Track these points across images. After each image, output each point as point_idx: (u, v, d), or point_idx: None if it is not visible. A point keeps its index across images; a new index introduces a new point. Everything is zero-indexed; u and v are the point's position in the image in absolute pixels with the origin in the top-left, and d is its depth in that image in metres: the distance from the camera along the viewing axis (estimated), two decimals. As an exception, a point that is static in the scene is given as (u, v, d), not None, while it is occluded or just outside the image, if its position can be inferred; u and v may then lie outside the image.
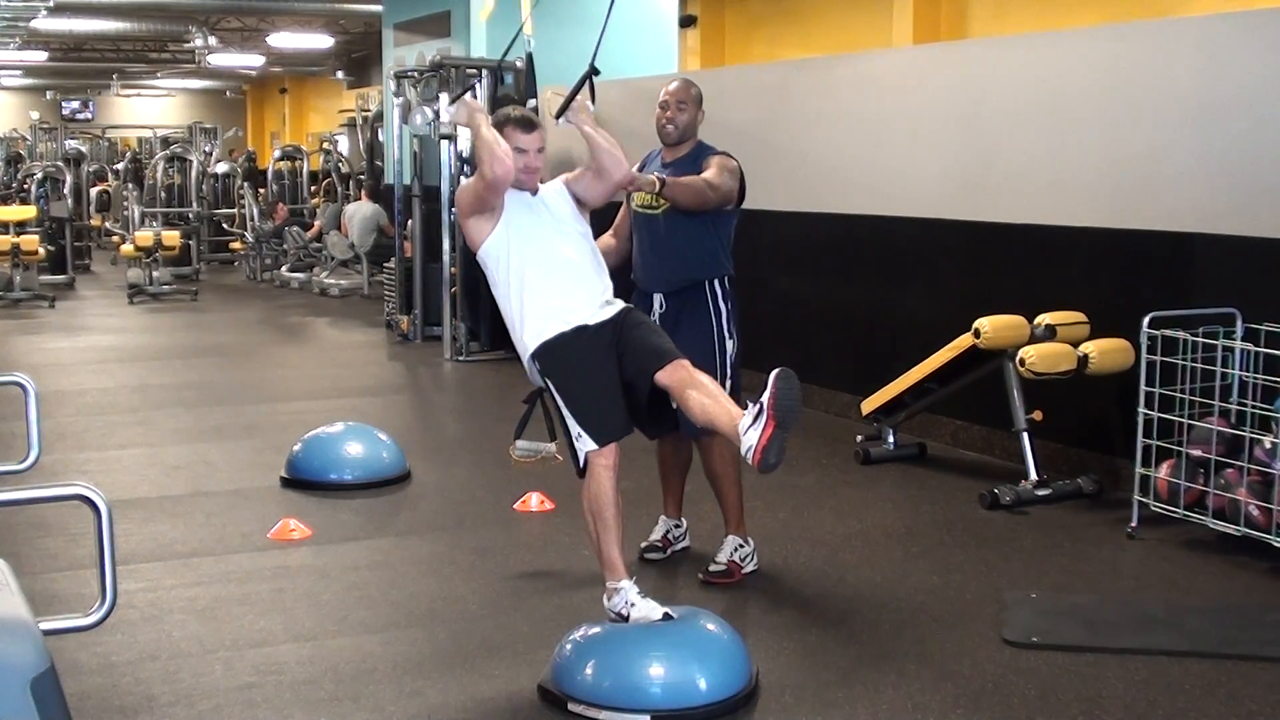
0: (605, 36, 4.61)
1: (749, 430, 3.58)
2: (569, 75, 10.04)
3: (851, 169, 7.55)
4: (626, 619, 3.79)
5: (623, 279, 4.84)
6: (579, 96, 4.33)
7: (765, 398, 3.57)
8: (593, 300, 4.02)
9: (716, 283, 4.72)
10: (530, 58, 9.15)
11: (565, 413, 3.93)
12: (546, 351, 3.96)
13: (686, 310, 4.69)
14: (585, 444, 3.88)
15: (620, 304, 4.09)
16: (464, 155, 9.87)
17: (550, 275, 4.02)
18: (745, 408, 3.67)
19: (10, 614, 2.20)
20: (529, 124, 4.07)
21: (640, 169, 4.88)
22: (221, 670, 3.90)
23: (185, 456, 6.68)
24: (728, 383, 4.61)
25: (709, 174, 4.64)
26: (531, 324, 3.99)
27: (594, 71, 4.66)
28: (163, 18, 19.70)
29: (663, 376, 3.86)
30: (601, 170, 4.14)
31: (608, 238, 4.85)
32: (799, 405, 3.60)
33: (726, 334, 4.70)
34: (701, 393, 3.79)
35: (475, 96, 4.06)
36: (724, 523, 4.78)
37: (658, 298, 4.74)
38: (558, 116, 4.35)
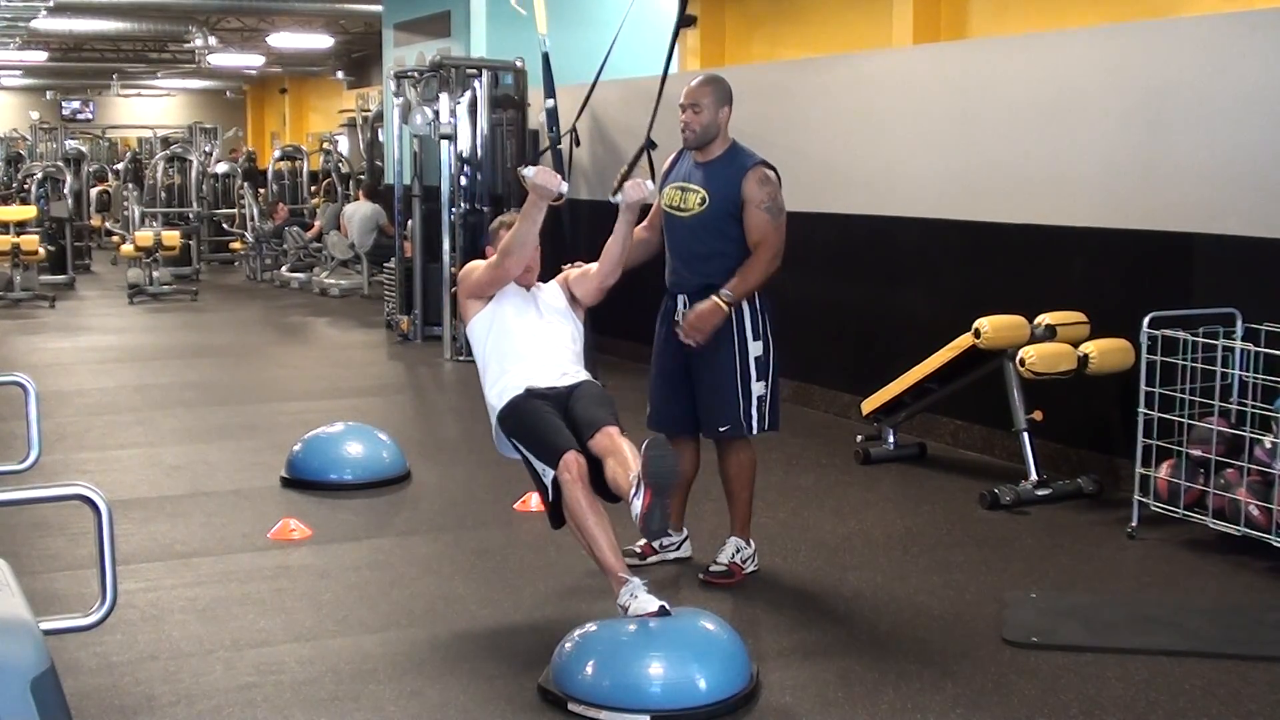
0: (602, 36, 4.62)
1: (634, 500, 3.81)
2: (571, 75, 9.98)
3: (851, 169, 7.55)
4: (627, 609, 3.80)
5: (653, 273, 4.84)
6: (636, 171, 4.41)
7: (639, 468, 3.79)
8: (554, 374, 4.30)
9: None
10: (546, 57, 9.11)
11: (531, 460, 4.15)
12: (506, 416, 4.25)
13: None
14: (548, 474, 4.06)
15: (583, 376, 4.36)
16: (463, 155, 9.87)
17: (524, 357, 4.32)
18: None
19: (10, 614, 2.20)
20: None
21: (668, 171, 4.83)
22: (221, 670, 3.90)
23: (185, 456, 6.68)
24: (753, 385, 4.60)
25: (760, 226, 4.55)
26: (498, 388, 4.30)
27: (651, 145, 4.65)
28: (163, 18, 19.69)
29: (593, 444, 4.08)
30: (601, 271, 4.50)
31: (640, 230, 4.83)
32: (672, 470, 3.77)
33: (750, 337, 4.62)
34: (616, 460, 4.00)
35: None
36: (730, 523, 4.77)
37: (681, 298, 4.70)
38: (614, 195, 4.47)
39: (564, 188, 4.30)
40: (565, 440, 4.05)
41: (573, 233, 8.32)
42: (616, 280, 4.55)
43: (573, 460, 3.98)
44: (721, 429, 4.64)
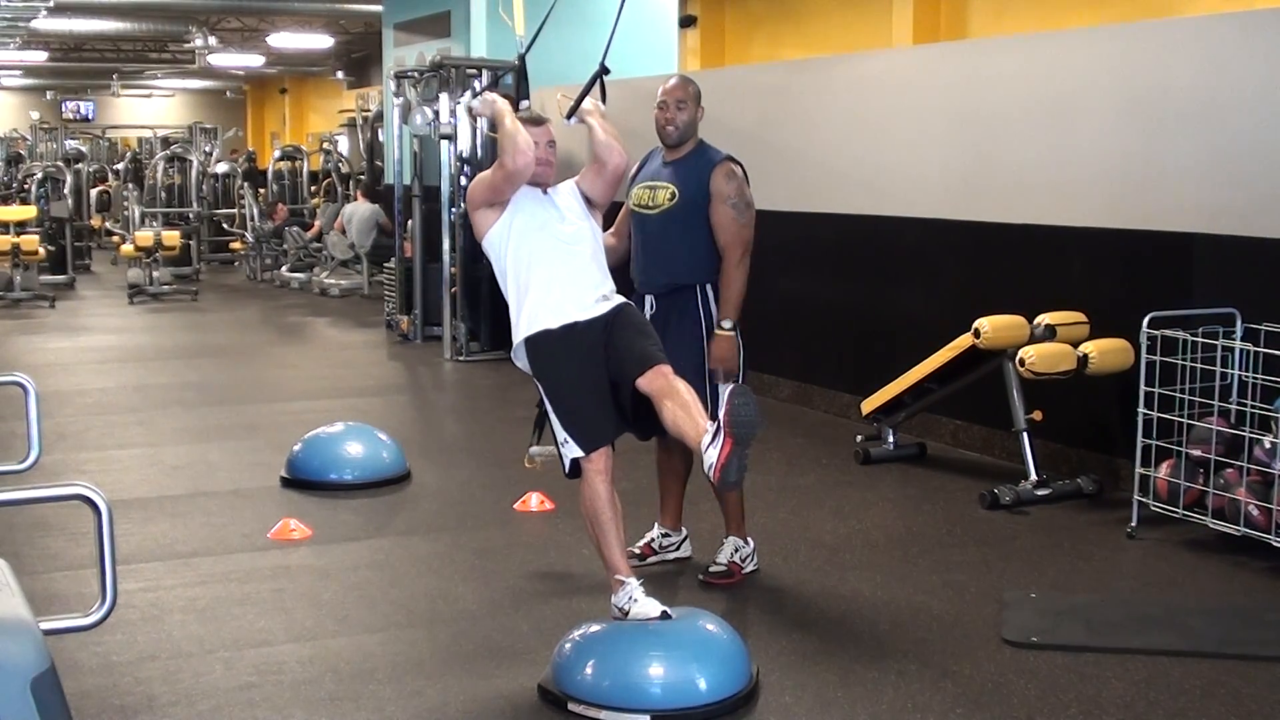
0: (596, 36, 4.60)
1: (709, 448, 3.64)
2: (567, 76, 9.98)
3: (851, 169, 7.55)
4: (627, 614, 3.81)
5: (623, 278, 4.84)
6: (589, 97, 4.36)
7: (721, 416, 3.62)
8: (588, 295, 4.06)
9: (709, 287, 4.65)
10: (523, 59, 9.14)
11: (553, 416, 4.01)
12: (535, 347, 4.01)
13: (675, 313, 4.65)
14: (571, 450, 3.95)
15: (618, 300, 4.11)
16: (463, 155, 9.87)
17: (549, 267, 4.06)
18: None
19: (10, 614, 2.20)
20: (537, 119, 4.17)
21: (640, 168, 4.86)
22: (221, 670, 3.90)
23: (185, 456, 6.68)
24: (720, 386, 4.59)
25: (727, 226, 4.56)
26: (526, 312, 4.04)
27: (604, 71, 4.65)
28: (163, 18, 19.71)
29: (643, 383, 3.89)
30: (599, 160, 4.22)
31: (608, 236, 4.82)
32: (756, 421, 3.62)
33: None
34: (675, 403, 3.82)
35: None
36: (725, 524, 4.77)
37: (649, 299, 4.71)
38: (568, 117, 4.40)
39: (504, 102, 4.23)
40: (602, 432, 3.95)
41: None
42: (624, 163, 4.27)
43: (603, 455, 3.92)
44: None
